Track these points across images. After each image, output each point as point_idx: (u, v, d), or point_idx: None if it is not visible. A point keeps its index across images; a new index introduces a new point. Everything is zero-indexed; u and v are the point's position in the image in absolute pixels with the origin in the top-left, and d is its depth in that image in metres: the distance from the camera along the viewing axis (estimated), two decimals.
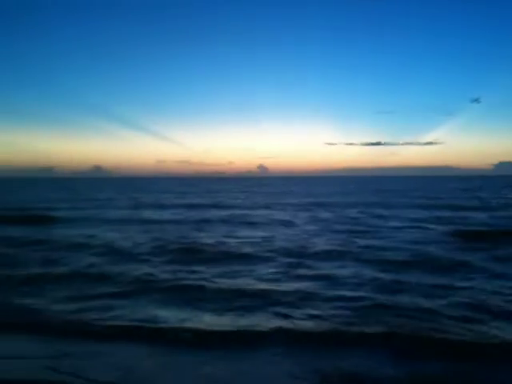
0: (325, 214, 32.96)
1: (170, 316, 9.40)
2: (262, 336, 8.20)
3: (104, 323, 8.90)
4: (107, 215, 33.40)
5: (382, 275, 12.86)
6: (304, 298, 10.53)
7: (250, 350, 7.78)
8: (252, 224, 27.16)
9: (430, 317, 9.08)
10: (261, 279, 12.59)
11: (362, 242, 19.24)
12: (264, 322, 8.91)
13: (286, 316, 9.25)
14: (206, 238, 20.90)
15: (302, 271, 13.57)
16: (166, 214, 34.12)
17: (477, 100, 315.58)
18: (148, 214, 34.70)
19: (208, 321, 9.07)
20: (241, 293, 11.01)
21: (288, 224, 26.98)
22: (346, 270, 13.63)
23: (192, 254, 16.52)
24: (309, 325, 8.69)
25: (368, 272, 13.29)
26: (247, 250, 17.45)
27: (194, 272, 13.59)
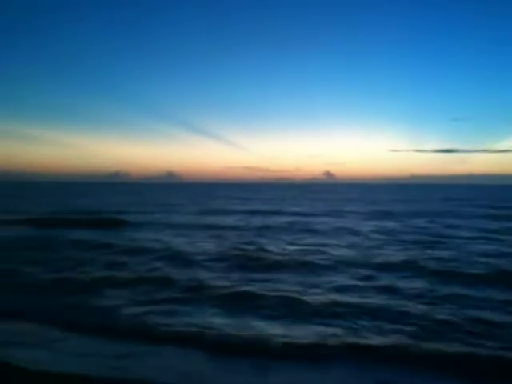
0: (391, 223, 31.98)
1: (230, 323, 9.50)
2: (327, 349, 8.03)
3: (167, 328, 9.19)
4: (174, 220, 34.44)
5: (452, 289, 12.25)
6: (370, 312, 10.17)
7: (316, 362, 7.66)
8: (315, 231, 26.82)
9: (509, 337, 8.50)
10: (322, 290, 12.34)
11: (430, 252, 18.44)
12: (328, 334, 8.73)
13: (351, 329, 9.04)
14: (268, 244, 20.89)
15: (365, 282, 13.20)
16: (231, 220, 34.58)
17: None
18: (213, 219, 35.34)
19: (270, 330, 9.03)
20: (301, 303, 10.86)
21: (352, 232, 26.38)
22: (413, 283, 13.09)
23: (253, 261, 16.55)
24: (375, 340, 8.39)
25: (438, 286, 12.67)
26: (308, 258, 17.17)
27: (254, 280, 13.61)
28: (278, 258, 17.39)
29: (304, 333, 8.86)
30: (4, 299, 11.65)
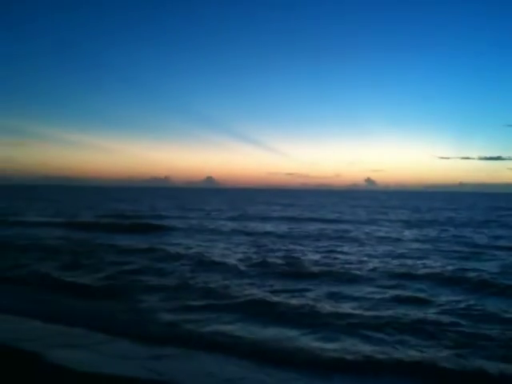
0: (433, 232, 31.15)
1: (263, 333, 9.52)
2: (371, 364, 7.85)
3: (202, 335, 9.31)
4: (210, 225, 34.83)
5: (494, 303, 11.86)
6: (409, 325, 9.86)
7: (363, 377, 7.54)
8: (353, 239, 26.40)
9: None
10: (358, 301, 12.06)
11: (471, 264, 17.88)
12: (368, 348, 8.55)
13: (393, 343, 8.83)
14: (305, 252, 20.80)
15: (402, 293, 12.86)
16: (269, 227, 34.59)
17: None
18: (251, 225, 35.53)
19: (306, 342, 8.94)
20: (336, 315, 10.63)
21: (392, 241, 25.84)
22: (453, 296, 12.67)
23: (288, 270, 16.40)
24: (420, 356, 8.14)
25: (478, 299, 12.27)
26: (344, 267, 16.89)
27: (288, 289, 13.51)
28: (314, 266, 17.15)
29: (340, 346, 8.72)
30: (45, 301, 12.14)
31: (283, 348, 8.57)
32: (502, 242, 25.62)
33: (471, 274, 15.59)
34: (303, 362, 7.94)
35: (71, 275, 15.27)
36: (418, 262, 18.62)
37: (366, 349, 8.52)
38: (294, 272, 16.04)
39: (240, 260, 18.36)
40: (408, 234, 30.39)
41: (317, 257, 19.57)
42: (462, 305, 11.71)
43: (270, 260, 18.23)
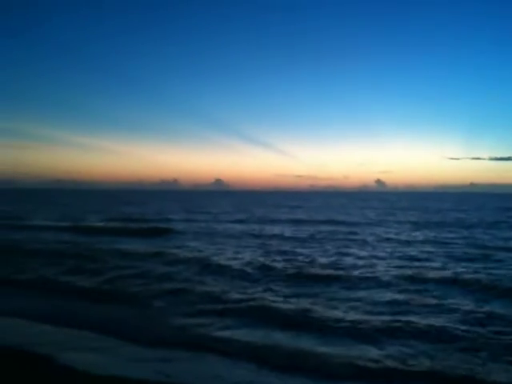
0: (443, 234, 30.87)
1: (275, 339, 9.55)
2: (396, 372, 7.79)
3: (208, 338, 9.43)
4: (218, 228, 35.00)
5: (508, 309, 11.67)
6: (425, 333, 9.68)
7: None
8: (362, 242, 26.26)
9: None
10: (371, 306, 11.93)
11: (480, 267, 17.67)
12: (388, 356, 8.46)
13: (414, 352, 8.68)
14: (314, 255, 20.75)
15: (414, 298, 12.68)
16: (277, 229, 34.58)
17: None
18: (260, 228, 35.59)
19: (322, 349, 8.87)
20: (347, 321, 10.48)
21: (402, 243, 25.66)
22: (465, 300, 12.52)
23: (298, 273, 16.30)
24: (430, 363, 8.06)
25: (491, 304, 12.15)
26: (355, 270, 16.80)
27: (299, 293, 13.47)
28: (323, 270, 17.08)
29: (350, 352, 8.69)
30: (55, 306, 12.30)
31: (292, 353, 8.59)
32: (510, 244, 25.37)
33: (480, 277, 15.43)
34: (312, 368, 7.94)
35: (79, 279, 15.50)
36: (428, 264, 18.52)
37: (377, 355, 8.47)
38: (303, 275, 16.00)
39: (247, 263, 18.32)
40: (417, 235, 30.26)
41: (325, 260, 19.51)
42: (472, 308, 11.62)
43: (278, 263, 18.23)
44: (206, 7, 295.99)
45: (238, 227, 36.31)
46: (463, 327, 10.02)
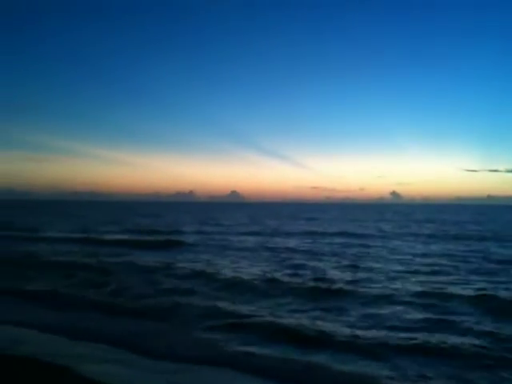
0: (460, 247, 30.31)
1: (290, 356, 9.54)
2: None
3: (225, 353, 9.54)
4: (231, 241, 35.00)
5: None
6: (456, 355, 9.32)
7: None
8: (380, 256, 25.77)
9: None
10: (389, 325, 11.54)
11: (498, 282, 17.28)
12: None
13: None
14: (329, 270, 20.52)
15: (434, 315, 12.32)
16: (292, 242, 34.34)
17: None
18: (274, 241, 35.51)
19: (333, 365, 8.77)
20: (363, 338, 10.25)
21: (419, 257, 25.23)
22: (483, 318, 12.13)
23: (312, 289, 15.93)
24: None
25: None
26: (369, 287, 16.36)
27: (314, 309, 13.25)
28: (338, 285, 16.71)
29: (364, 369, 8.56)
30: (70, 318, 12.38)
31: (307, 368, 8.55)
32: None
33: (498, 293, 15.09)
34: None
35: (92, 292, 15.66)
36: (445, 278, 18.23)
37: (392, 374, 8.33)
38: (316, 290, 15.74)
39: (259, 277, 18.11)
40: (433, 248, 29.83)
41: (339, 274, 19.30)
42: (490, 325, 11.41)
43: (291, 277, 18.07)
44: (223, 19, 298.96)
45: (252, 240, 36.25)
46: (480, 344, 9.81)
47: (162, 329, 11.45)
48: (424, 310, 12.98)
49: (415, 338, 10.23)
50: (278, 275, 18.61)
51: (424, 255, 26.04)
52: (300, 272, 19.62)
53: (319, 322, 11.71)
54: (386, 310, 12.98)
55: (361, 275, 18.92)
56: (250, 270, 20.18)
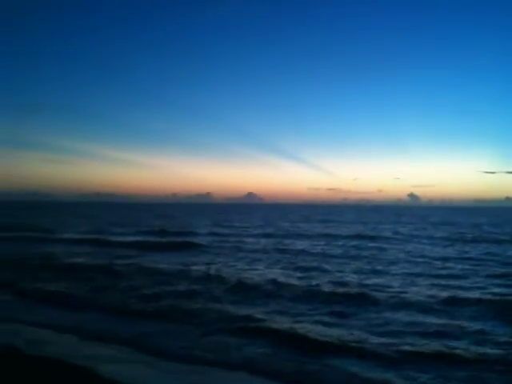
0: (478, 251, 29.82)
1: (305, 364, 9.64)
2: None
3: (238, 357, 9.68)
4: (247, 243, 35.00)
5: None
6: (476, 363, 9.05)
7: None
8: (396, 259, 25.36)
9: None
10: (406, 331, 11.22)
11: None
12: None
13: None
14: (345, 274, 20.24)
15: (455, 323, 11.90)
16: (306, 245, 34.04)
17: None
18: (288, 243, 35.38)
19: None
20: (385, 346, 9.97)
21: (436, 260, 24.81)
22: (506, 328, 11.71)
23: (327, 293, 15.65)
24: None
25: None
26: (384, 291, 15.97)
27: (327, 315, 13.06)
28: (353, 289, 16.39)
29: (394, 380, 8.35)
30: (87, 320, 12.55)
31: (324, 375, 8.48)
32: None
33: None
34: None
35: (107, 295, 15.70)
36: (462, 283, 17.95)
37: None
38: (331, 295, 15.36)
39: (272, 281, 17.79)
40: (450, 251, 29.39)
41: (354, 278, 19.04)
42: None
43: (304, 281, 17.80)
44: (238, 20, 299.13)
45: (266, 242, 36.18)
46: (501, 352, 9.58)
47: (175, 331, 11.50)
48: (441, 315, 12.73)
49: (431, 345, 10.01)
50: (291, 278, 18.48)
51: (441, 258, 25.69)
52: (314, 275, 19.48)
53: (333, 327, 11.59)
54: (402, 315, 12.75)
55: (376, 279, 18.71)
56: (264, 273, 20.04)
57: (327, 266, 22.25)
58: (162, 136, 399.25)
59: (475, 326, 11.65)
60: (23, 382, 7.69)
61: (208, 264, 23.01)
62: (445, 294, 15.56)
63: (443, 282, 18.09)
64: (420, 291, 16.00)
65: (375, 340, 10.45)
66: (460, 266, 22.42)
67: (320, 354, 9.67)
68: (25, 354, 9.08)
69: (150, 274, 19.83)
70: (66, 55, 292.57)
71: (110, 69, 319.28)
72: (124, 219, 74.24)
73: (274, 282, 17.69)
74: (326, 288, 16.49)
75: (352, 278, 18.93)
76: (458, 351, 9.59)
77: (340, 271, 20.73)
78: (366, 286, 17.08)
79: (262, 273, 20.19)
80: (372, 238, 40.05)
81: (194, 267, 21.64)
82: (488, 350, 9.67)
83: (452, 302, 14.39)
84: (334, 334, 10.97)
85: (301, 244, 34.35)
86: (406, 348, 9.86)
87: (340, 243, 35.07)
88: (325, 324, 11.97)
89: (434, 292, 15.87)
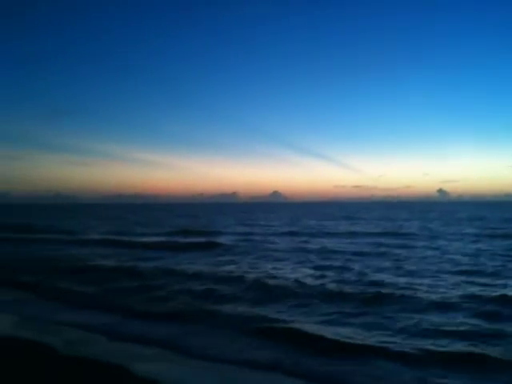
0: (509, 245, 28.86)
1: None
2: None
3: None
4: (271, 242, 34.84)
5: None
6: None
7: None
8: (424, 257, 24.66)
9: None
10: (435, 334, 10.74)
11: None
12: None
13: None
14: (370, 271, 19.85)
15: (489, 325, 11.38)
16: (332, 243, 33.53)
17: None
18: (314, 241, 34.97)
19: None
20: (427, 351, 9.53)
21: (466, 257, 24.06)
22: None
23: (351, 293, 15.13)
24: None
25: None
26: (412, 290, 15.43)
27: (353, 316, 12.67)
28: (379, 288, 15.84)
29: None
30: (115, 322, 12.59)
31: (356, 377, 8.31)
32: None
33: None
34: None
35: (129, 296, 15.72)
36: (494, 281, 17.29)
37: None
38: (362, 296, 14.72)
39: (295, 281, 17.39)
40: (480, 247, 28.72)
41: (380, 276, 18.55)
42: None
43: (332, 282, 17.25)
44: (258, 21, 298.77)
45: (291, 240, 35.96)
46: None
47: (201, 331, 11.51)
48: (475, 316, 12.18)
49: (465, 348, 9.59)
50: (316, 278, 18.11)
51: (472, 255, 24.98)
52: (341, 275, 19.02)
53: (360, 328, 11.28)
54: (432, 315, 12.28)
55: (405, 278, 18.22)
56: (288, 273, 19.73)
57: (353, 265, 21.77)
58: (187, 138, 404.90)
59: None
60: (61, 381, 7.91)
61: (231, 264, 22.91)
62: (478, 292, 15.00)
63: (473, 279, 17.57)
64: (453, 290, 15.50)
65: (404, 341, 10.16)
66: (491, 263, 21.68)
67: (347, 355, 9.47)
68: (61, 354, 9.36)
69: (173, 275, 19.81)
70: (87, 59, 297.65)
71: (133, 72, 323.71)
72: (148, 220, 74.90)
73: (298, 281, 17.37)
74: (352, 288, 16.07)
75: (379, 277, 18.46)
76: (492, 355, 9.11)
77: (366, 270, 20.30)
78: (394, 285, 16.62)
79: (286, 272, 19.91)
80: (399, 235, 39.38)
81: (217, 268, 21.58)
82: None
83: (486, 300, 13.82)
84: (361, 334, 10.72)
85: (326, 242, 33.95)
86: (436, 349, 9.53)
87: (366, 241, 34.54)
88: (351, 325, 11.68)
89: (467, 290, 15.32)
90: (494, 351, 9.36)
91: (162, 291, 16.29)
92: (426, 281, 17.39)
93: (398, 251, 27.42)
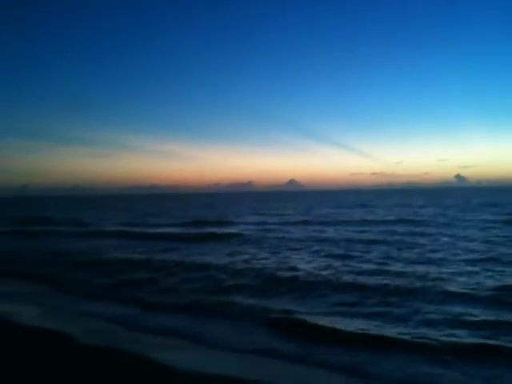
0: None
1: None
2: None
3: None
4: (286, 231, 34.72)
5: None
6: None
7: None
8: (442, 245, 24.27)
9: None
10: (455, 327, 10.45)
11: None
12: None
13: None
14: (385, 261, 19.61)
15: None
16: (347, 231, 33.31)
17: None
18: (328, 230, 34.82)
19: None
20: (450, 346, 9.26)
21: (486, 244, 23.69)
22: None
23: (364, 285, 14.86)
24: None
25: None
26: (430, 281, 15.10)
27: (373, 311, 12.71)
28: (394, 280, 15.56)
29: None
30: (129, 313, 12.74)
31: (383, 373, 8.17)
32: None
33: None
34: None
35: (145, 288, 15.92)
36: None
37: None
38: (380, 287, 14.47)
39: (317, 273, 17.12)
40: (499, 233, 28.19)
41: (395, 267, 18.15)
42: None
43: (350, 273, 16.94)
44: (282, 12, 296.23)
45: (307, 230, 35.80)
46: None
47: (221, 323, 11.60)
48: (493, 306, 11.94)
49: (483, 340, 9.39)
50: (332, 269, 17.91)
51: (488, 242, 24.47)
52: (355, 265, 18.78)
53: (378, 320, 11.19)
54: (451, 306, 12.06)
55: (420, 267, 17.95)
56: (304, 264, 19.48)
57: (367, 255, 21.51)
58: (204, 128, 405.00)
59: None
60: (82, 371, 8.07)
61: (245, 254, 22.88)
62: (501, 283, 14.55)
63: (489, 267, 17.29)
64: (466, 278, 15.29)
65: (420, 331, 10.07)
66: (508, 251, 21.27)
67: (362, 347, 9.43)
68: (80, 344, 9.56)
69: (186, 266, 19.81)
70: (102, 54, 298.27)
71: (148, 65, 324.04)
72: (164, 210, 75.36)
73: (311, 272, 17.27)
74: (368, 279, 15.85)
75: (394, 266, 18.26)
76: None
77: (380, 259, 20.09)
78: (408, 274, 16.37)
79: (300, 263, 19.80)
80: (415, 223, 38.95)
81: (232, 258, 21.60)
82: None
83: (502, 289, 13.51)
84: (378, 326, 10.68)
85: (342, 230, 33.80)
86: (454, 340, 9.40)
87: (380, 229, 34.21)
88: (366, 316, 11.57)
89: (488, 281, 14.92)
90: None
91: (176, 282, 16.43)
92: (442, 269, 17.14)
93: (412, 239, 27.09)
